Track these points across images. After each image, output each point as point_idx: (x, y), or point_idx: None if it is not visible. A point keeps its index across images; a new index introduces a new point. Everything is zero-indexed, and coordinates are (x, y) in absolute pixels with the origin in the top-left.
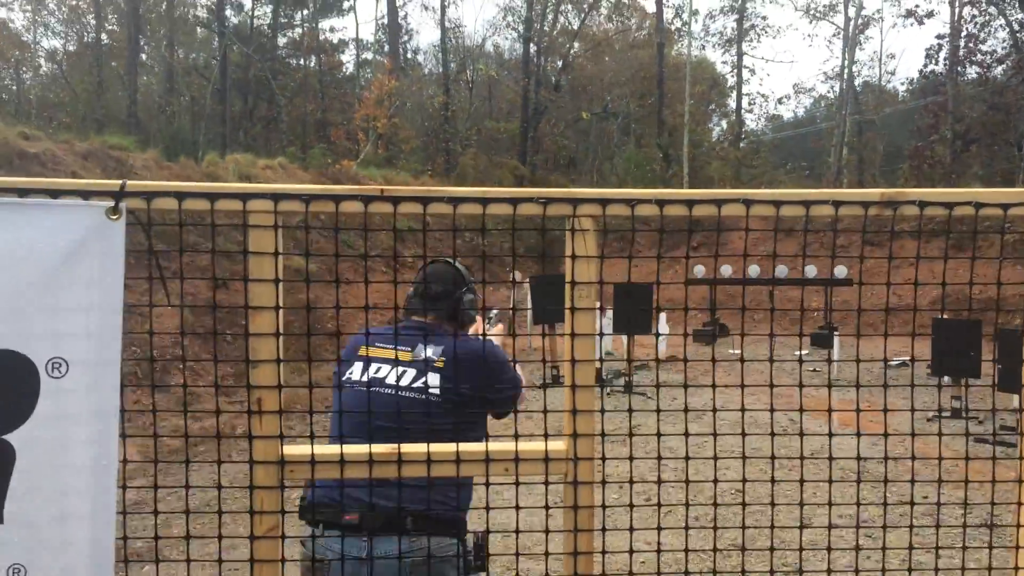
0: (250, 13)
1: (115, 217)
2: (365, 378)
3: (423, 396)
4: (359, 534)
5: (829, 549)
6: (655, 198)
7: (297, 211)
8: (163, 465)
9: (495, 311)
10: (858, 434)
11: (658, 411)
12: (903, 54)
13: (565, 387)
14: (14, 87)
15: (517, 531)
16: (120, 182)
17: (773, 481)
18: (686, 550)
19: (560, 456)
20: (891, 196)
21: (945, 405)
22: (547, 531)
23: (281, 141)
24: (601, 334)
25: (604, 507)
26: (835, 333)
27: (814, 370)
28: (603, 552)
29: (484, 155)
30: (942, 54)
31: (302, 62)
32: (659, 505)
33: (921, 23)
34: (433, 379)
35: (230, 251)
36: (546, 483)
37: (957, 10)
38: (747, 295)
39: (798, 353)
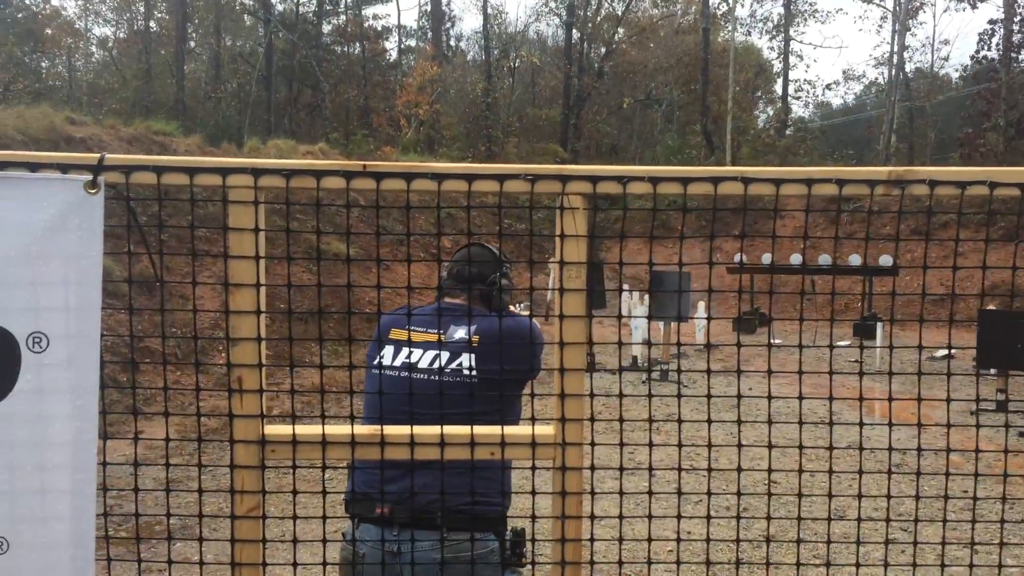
0: (295, 1)
1: (93, 191)
2: (397, 363)
3: (459, 379)
4: (391, 528)
5: (859, 542)
6: (647, 175)
7: (278, 186)
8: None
9: (524, 303)
10: (890, 424)
11: (678, 395)
12: (956, 39)
13: (554, 370)
14: (67, 74)
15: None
16: (98, 155)
17: (800, 471)
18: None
19: (548, 441)
20: (899, 175)
21: (990, 397)
22: (533, 517)
23: (324, 127)
24: (628, 316)
25: (593, 493)
26: (879, 321)
27: (856, 360)
28: (591, 540)
29: (526, 142)
30: (995, 39)
31: (346, 49)
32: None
33: (975, 7)
34: (469, 360)
35: (210, 228)
36: (532, 468)
37: None
38: (789, 284)
39: (843, 343)
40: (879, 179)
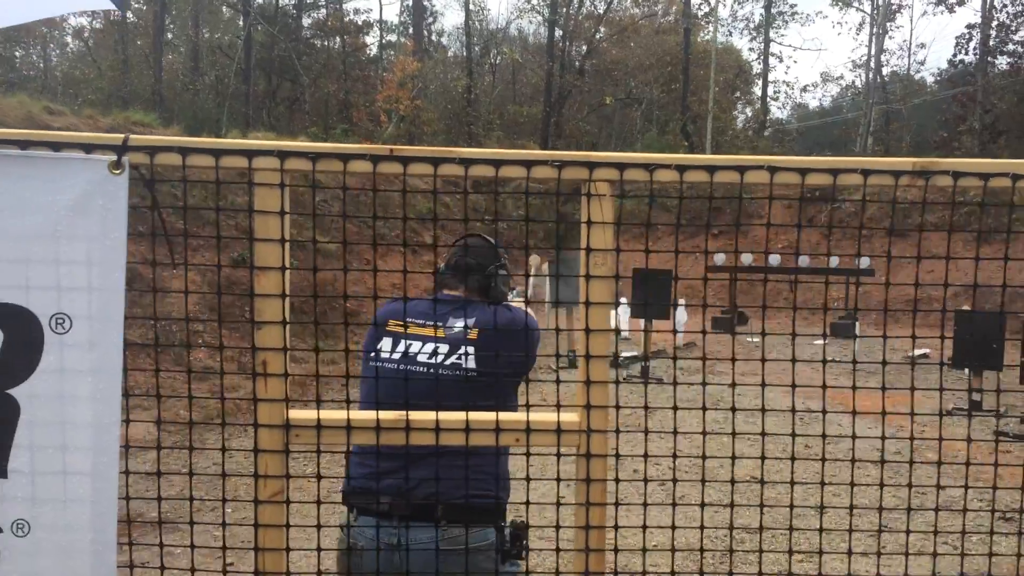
0: None
1: (118, 172)
2: (396, 354)
3: (458, 372)
4: (391, 521)
5: (820, 552)
6: (675, 163)
7: (303, 169)
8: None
9: (517, 289)
10: (883, 416)
11: (675, 383)
12: (933, 43)
13: (579, 356)
14: (41, 63)
15: (528, 503)
16: (123, 136)
17: (761, 477)
18: (701, 526)
19: (573, 428)
20: (924, 165)
21: (964, 397)
22: (558, 503)
23: (304, 121)
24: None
25: (617, 481)
26: (856, 321)
27: (834, 360)
28: (615, 527)
29: (506, 139)
30: (972, 44)
31: (326, 43)
32: (674, 480)
33: (952, 11)
34: (468, 351)
35: (237, 209)
36: (558, 455)
37: None
38: (768, 284)
39: (818, 342)
40: (904, 169)
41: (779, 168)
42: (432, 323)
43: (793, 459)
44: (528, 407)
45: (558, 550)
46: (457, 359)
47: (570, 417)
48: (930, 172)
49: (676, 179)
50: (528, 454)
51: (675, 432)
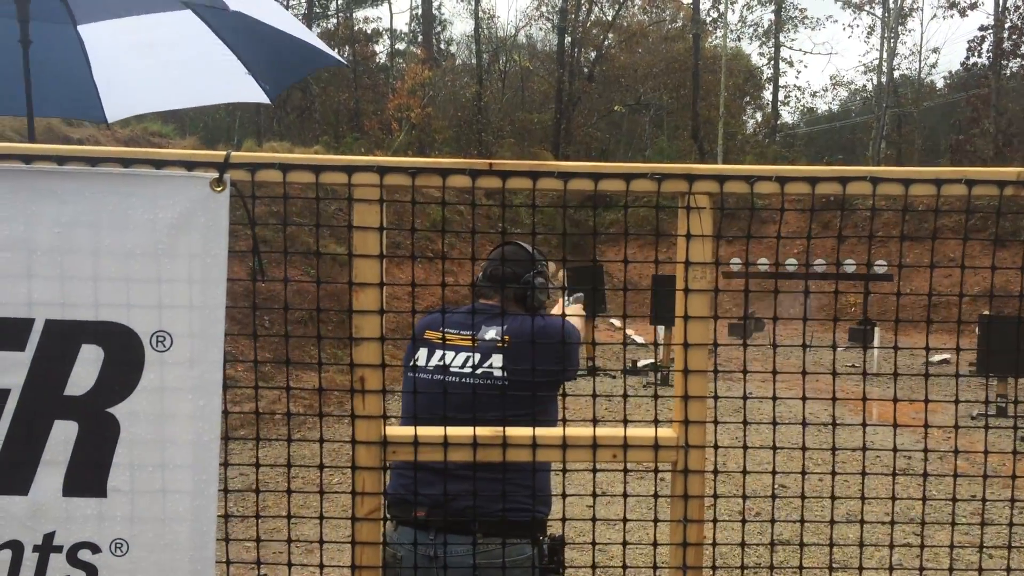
0: (285, 3)
1: (219, 189)
2: (431, 365)
3: (489, 381)
4: (428, 532)
5: (861, 544)
6: (775, 175)
7: (403, 184)
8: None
9: (578, 293)
10: (863, 424)
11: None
12: (944, 46)
13: (675, 371)
14: None
15: (624, 519)
16: (224, 153)
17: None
18: (713, 544)
19: (671, 443)
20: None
21: (992, 402)
22: (656, 520)
23: (315, 130)
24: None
25: (716, 497)
26: (875, 326)
27: (852, 366)
28: (714, 544)
29: (517, 146)
30: (985, 46)
31: (336, 52)
32: (773, 495)
33: (964, 15)
34: (498, 361)
35: (334, 226)
36: (655, 470)
37: (1001, 1)
38: (785, 289)
39: (840, 347)
40: (1008, 179)
41: (881, 179)
42: (467, 333)
43: (803, 475)
44: (625, 423)
45: (654, 567)
46: (489, 367)
47: (667, 432)
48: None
49: (776, 191)
50: (626, 470)
51: (773, 448)
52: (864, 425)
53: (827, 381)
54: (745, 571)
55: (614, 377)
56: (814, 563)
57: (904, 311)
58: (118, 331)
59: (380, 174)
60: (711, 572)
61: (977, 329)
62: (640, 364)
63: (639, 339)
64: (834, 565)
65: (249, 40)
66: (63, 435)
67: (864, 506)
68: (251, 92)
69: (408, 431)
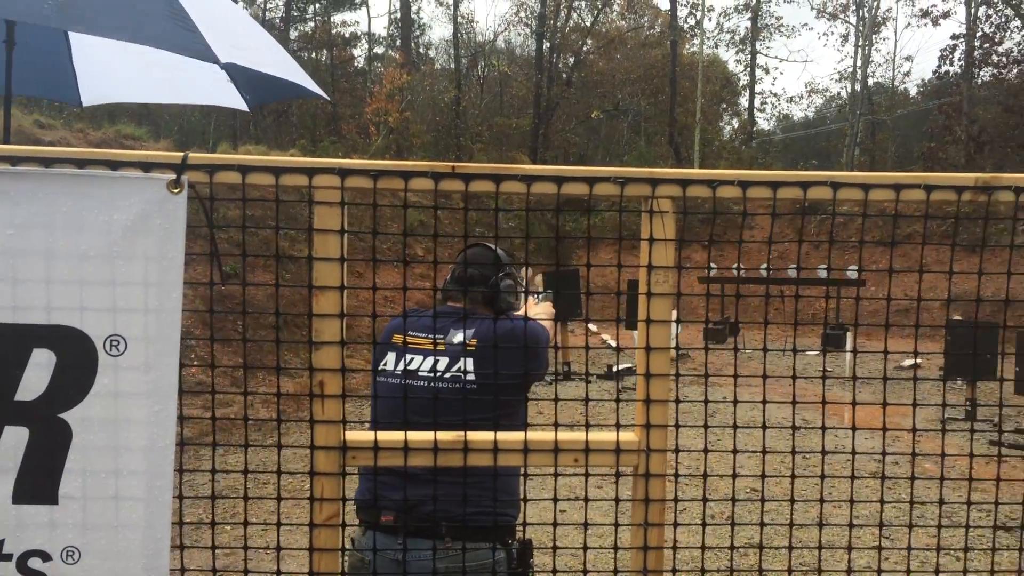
0: (263, 6)
1: (176, 191)
2: (399, 369)
3: (457, 385)
4: (396, 536)
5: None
6: (737, 179)
7: (365, 187)
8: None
9: (542, 293)
10: (823, 428)
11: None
12: (918, 54)
13: (638, 375)
14: None
15: (585, 524)
16: (182, 154)
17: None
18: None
19: (632, 447)
20: (986, 181)
21: (957, 406)
22: (616, 524)
23: (292, 134)
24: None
25: (676, 500)
26: (846, 330)
27: (828, 370)
28: (675, 547)
29: (495, 150)
30: (957, 55)
31: (314, 55)
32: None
33: (936, 23)
34: (467, 364)
35: (296, 228)
36: (616, 475)
37: (973, 11)
38: (758, 294)
39: (811, 351)
40: (967, 185)
41: (842, 184)
42: (433, 336)
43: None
44: (587, 426)
45: (615, 571)
46: (457, 371)
47: (628, 436)
48: (992, 187)
49: (739, 195)
50: (587, 474)
51: (734, 451)
52: (823, 428)
53: (800, 385)
54: (707, 574)
55: (589, 382)
56: (777, 566)
57: (878, 316)
58: (71, 335)
59: (341, 176)
60: (671, 575)
61: (947, 334)
62: (615, 368)
63: (614, 343)
64: (794, 568)
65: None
66: (13, 441)
67: (825, 509)
68: (231, 98)
69: (369, 436)
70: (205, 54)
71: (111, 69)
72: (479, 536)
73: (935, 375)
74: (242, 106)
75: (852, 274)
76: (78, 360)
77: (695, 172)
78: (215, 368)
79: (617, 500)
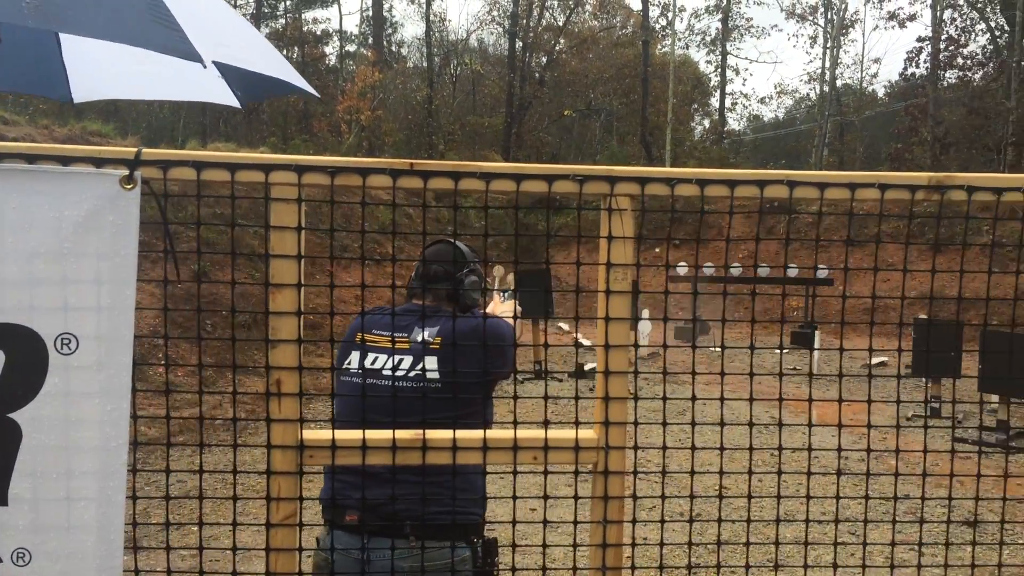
0: (233, 3)
1: (129, 187)
2: (362, 368)
3: (421, 384)
4: (359, 536)
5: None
6: (695, 177)
7: (322, 184)
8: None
9: (508, 291)
10: (779, 424)
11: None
12: (885, 56)
13: (598, 373)
14: None
15: (545, 521)
16: (135, 150)
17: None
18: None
19: (591, 445)
20: (939, 180)
21: (924, 405)
22: (576, 522)
23: (263, 132)
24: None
25: (635, 498)
26: (815, 329)
27: (794, 369)
28: (633, 544)
29: (468, 149)
30: (923, 57)
31: (285, 53)
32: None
33: (903, 26)
34: (431, 363)
35: (248, 225)
36: (576, 472)
37: (938, 14)
38: (728, 295)
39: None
40: (920, 184)
41: (798, 183)
42: (398, 335)
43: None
44: (546, 424)
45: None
46: (420, 370)
47: (588, 434)
48: (946, 186)
49: (698, 193)
50: (546, 472)
51: (692, 448)
52: (780, 425)
53: (769, 383)
54: (666, 570)
55: (561, 380)
56: (734, 562)
57: (846, 315)
58: (20, 333)
59: (298, 173)
60: (630, 573)
61: (913, 332)
62: (588, 367)
63: (587, 342)
64: (751, 564)
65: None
66: None
67: (785, 505)
68: (222, 95)
69: (327, 435)
70: (189, 53)
71: (103, 65)
72: (443, 535)
73: (903, 373)
74: (234, 103)
75: (821, 273)
76: (28, 359)
77: (653, 170)
78: (172, 367)
79: (576, 497)
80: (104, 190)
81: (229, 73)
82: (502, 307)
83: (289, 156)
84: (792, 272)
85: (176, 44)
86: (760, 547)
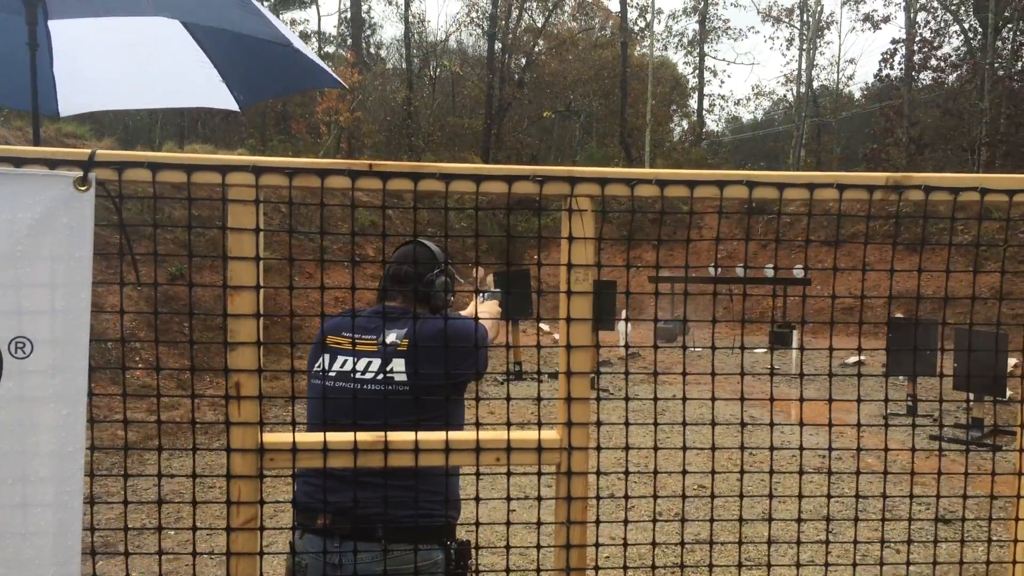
0: None
1: (84, 188)
2: (333, 371)
3: (389, 387)
4: (331, 539)
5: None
6: (655, 178)
7: (280, 185)
8: (131, 454)
9: (488, 292)
10: (741, 424)
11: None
12: (861, 58)
13: (560, 374)
14: None
15: (508, 523)
16: (89, 151)
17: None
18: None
19: (554, 446)
20: (897, 180)
21: (900, 402)
22: (539, 523)
23: (240, 133)
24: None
25: (598, 498)
26: (793, 329)
27: (775, 368)
28: (597, 544)
29: (447, 151)
30: (897, 59)
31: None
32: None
33: (878, 28)
34: (398, 365)
35: (208, 227)
36: (539, 473)
37: (912, 16)
38: (707, 294)
39: (759, 349)
40: (878, 184)
41: (758, 183)
42: (367, 337)
43: (741, 471)
44: (509, 425)
45: (538, 570)
46: (389, 372)
47: (550, 435)
48: (903, 186)
49: (657, 194)
50: (509, 473)
51: (655, 448)
52: (742, 425)
53: (746, 382)
54: (629, 571)
55: (543, 381)
56: (696, 561)
57: (823, 314)
58: None
59: (256, 174)
60: (594, 574)
61: (888, 332)
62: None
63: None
64: (714, 564)
65: (231, 49)
66: None
67: (747, 503)
68: (221, 99)
69: (287, 438)
70: (277, 36)
71: (95, 76)
72: (416, 537)
73: (879, 371)
74: (233, 106)
75: (798, 273)
76: None
77: (613, 171)
78: (148, 370)
79: (540, 499)
80: (58, 192)
81: (234, 74)
82: (481, 308)
83: (246, 157)
84: (769, 272)
85: (262, 28)
86: (726, 547)
